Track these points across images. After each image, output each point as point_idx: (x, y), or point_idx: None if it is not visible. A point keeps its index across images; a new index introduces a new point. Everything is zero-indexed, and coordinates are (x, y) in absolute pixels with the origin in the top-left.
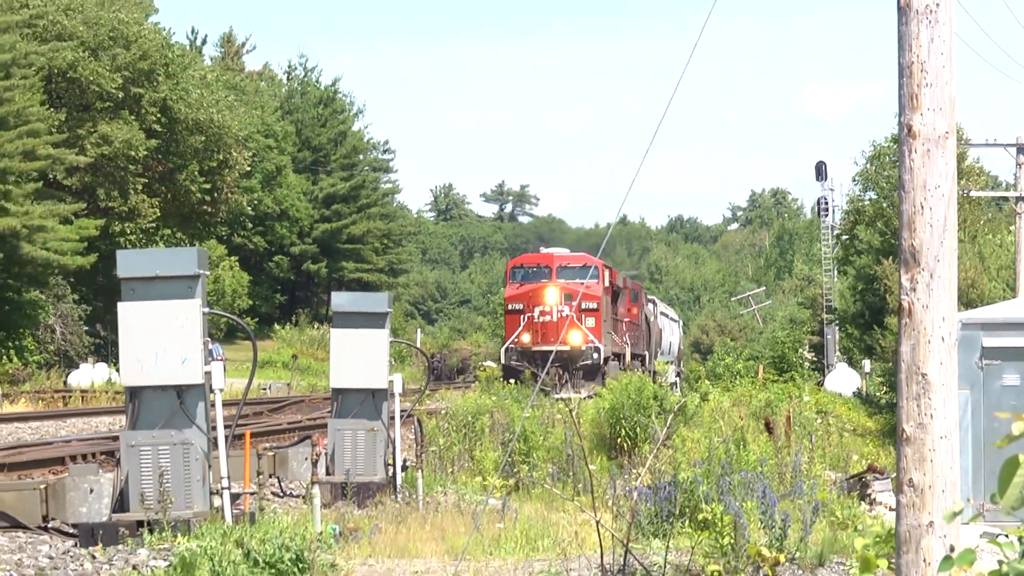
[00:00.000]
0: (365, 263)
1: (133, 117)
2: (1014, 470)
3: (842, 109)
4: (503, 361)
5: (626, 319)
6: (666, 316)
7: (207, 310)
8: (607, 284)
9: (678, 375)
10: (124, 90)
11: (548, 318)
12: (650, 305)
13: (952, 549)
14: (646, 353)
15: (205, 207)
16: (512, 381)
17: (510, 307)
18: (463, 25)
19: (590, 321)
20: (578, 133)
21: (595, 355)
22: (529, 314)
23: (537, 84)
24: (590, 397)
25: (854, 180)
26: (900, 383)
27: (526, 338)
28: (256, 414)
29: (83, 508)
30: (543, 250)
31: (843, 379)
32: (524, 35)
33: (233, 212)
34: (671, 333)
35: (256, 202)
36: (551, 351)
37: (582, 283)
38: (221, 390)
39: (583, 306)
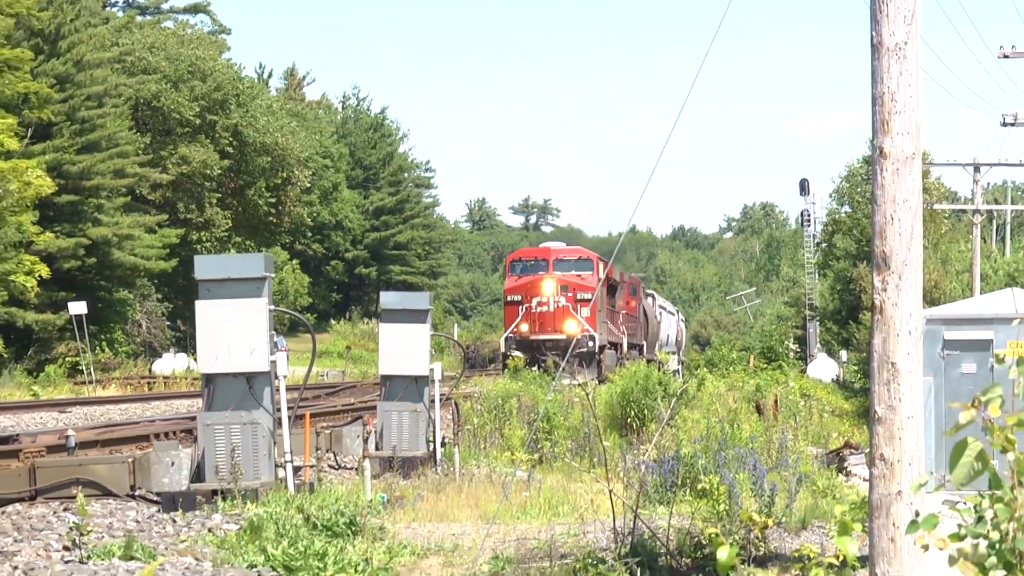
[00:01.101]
0: (409, 267)
1: (208, 140)
2: (962, 451)
3: (823, 134)
4: (503, 349)
5: (623, 311)
6: (664, 309)
7: (272, 307)
8: (601, 276)
9: (680, 363)
10: (201, 117)
11: (545, 308)
12: (649, 299)
13: (918, 515)
14: (644, 343)
15: (271, 218)
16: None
17: (509, 298)
18: (496, 57)
19: (585, 311)
20: (595, 151)
21: (590, 343)
22: (527, 304)
23: (560, 109)
24: (602, 382)
25: (831, 196)
26: (873, 371)
27: (524, 327)
28: (315, 397)
29: (165, 479)
30: (541, 244)
31: (823, 367)
32: (549, 66)
33: (295, 223)
34: (669, 325)
35: (315, 214)
36: (548, 339)
37: (578, 275)
38: (284, 376)
39: (578, 296)
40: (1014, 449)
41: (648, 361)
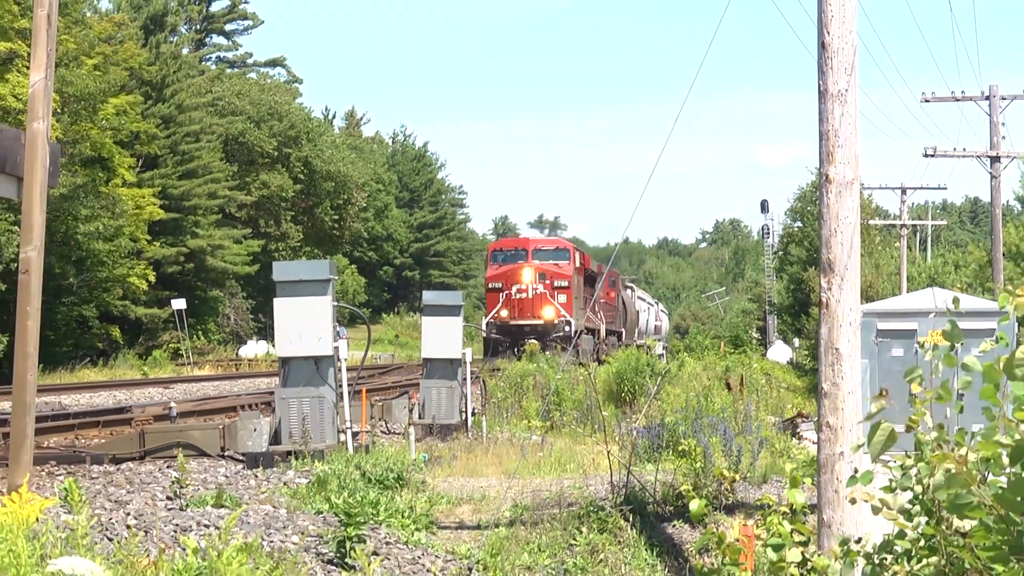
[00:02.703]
0: (446, 271)
1: (284, 169)
2: (875, 432)
3: (780, 163)
4: (484, 334)
5: (602, 300)
6: (643, 300)
7: (335, 304)
8: (578, 265)
9: (665, 349)
10: (278, 150)
11: (524, 295)
12: (628, 291)
13: (856, 471)
14: (623, 330)
15: (334, 231)
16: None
17: (490, 286)
18: (517, 100)
19: (562, 298)
20: (596, 175)
21: (567, 328)
22: (507, 292)
23: (568, 142)
24: (601, 363)
25: (786, 214)
26: (820, 355)
27: (504, 313)
28: (370, 376)
29: (249, 442)
30: (521, 235)
31: (780, 352)
32: (560, 107)
33: (354, 235)
34: (648, 315)
35: (370, 228)
36: (527, 324)
37: (555, 264)
38: (345, 359)
39: (555, 284)
40: (917, 425)
41: (626, 346)
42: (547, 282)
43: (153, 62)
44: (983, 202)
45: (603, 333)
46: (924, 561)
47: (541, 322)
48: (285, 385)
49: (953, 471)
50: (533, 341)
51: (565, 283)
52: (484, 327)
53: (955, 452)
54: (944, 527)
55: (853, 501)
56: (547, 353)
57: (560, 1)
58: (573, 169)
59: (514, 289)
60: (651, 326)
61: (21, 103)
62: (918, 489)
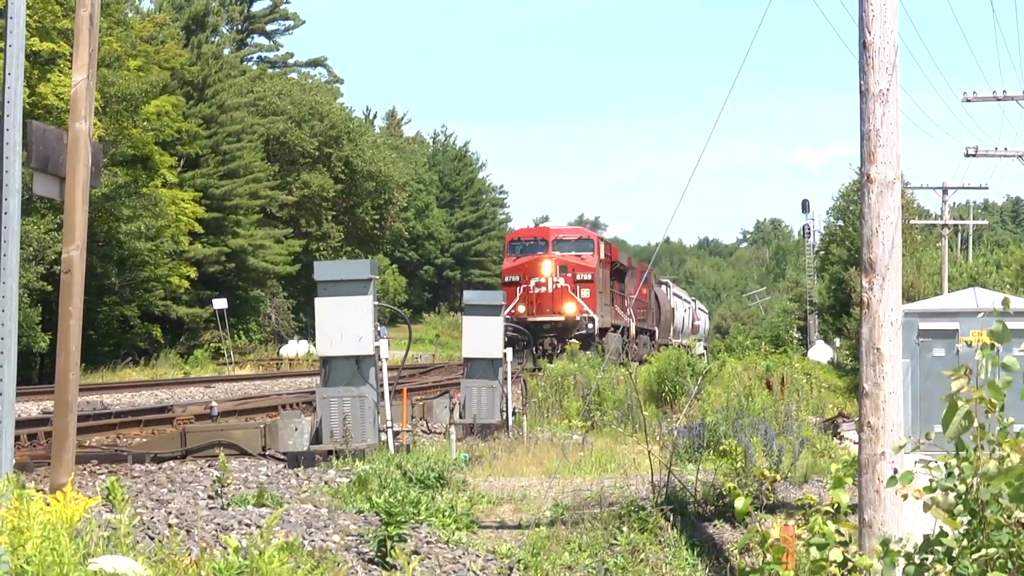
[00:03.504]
0: (487, 270)
1: (325, 169)
2: (954, 411)
3: (821, 163)
4: None
5: (632, 295)
6: (679, 298)
7: (376, 303)
8: (603, 257)
9: (705, 348)
10: (319, 150)
11: (543, 289)
12: (663, 287)
13: (897, 471)
14: (655, 329)
15: (375, 231)
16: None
17: (507, 279)
18: (559, 103)
19: (584, 292)
20: (637, 176)
21: (590, 325)
22: (525, 285)
23: (609, 144)
24: (642, 362)
25: (828, 213)
26: (861, 355)
27: (522, 308)
28: (411, 376)
29: (290, 441)
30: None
31: (821, 352)
32: (602, 110)
33: (395, 235)
34: (685, 313)
35: (411, 228)
36: (546, 321)
37: (578, 255)
38: (386, 359)
39: (578, 277)
40: (995, 410)
41: (661, 346)
42: (568, 275)
43: (195, 62)
44: None
45: (633, 331)
46: (983, 551)
47: (561, 318)
48: (326, 384)
49: (1016, 460)
50: (574, 341)
51: (588, 276)
52: None
53: (1007, 448)
54: (1005, 517)
55: (905, 497)
56: (587, 353)
57: (604, 2)
58: (614, 169)
59: (532, 283)
60: (687, 325)
61: (63, 103)
62: (961, 488)
